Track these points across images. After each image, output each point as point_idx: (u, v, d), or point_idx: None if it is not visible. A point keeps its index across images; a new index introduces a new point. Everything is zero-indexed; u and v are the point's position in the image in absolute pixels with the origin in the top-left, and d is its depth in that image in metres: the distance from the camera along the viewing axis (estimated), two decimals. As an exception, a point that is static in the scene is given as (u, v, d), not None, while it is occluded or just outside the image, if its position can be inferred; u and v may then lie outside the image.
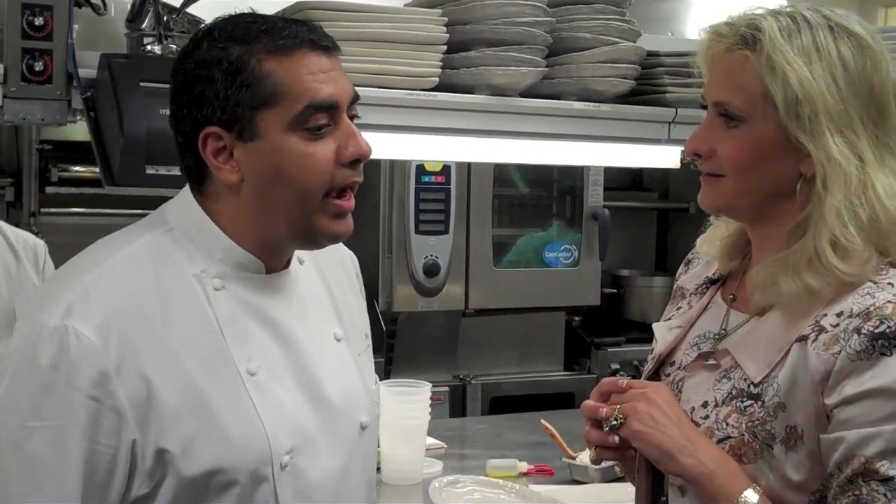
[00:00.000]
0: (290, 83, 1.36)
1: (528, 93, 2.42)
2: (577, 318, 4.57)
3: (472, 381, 4.16)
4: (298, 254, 1.54)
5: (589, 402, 1.44)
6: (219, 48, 1.37)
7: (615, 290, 4.80)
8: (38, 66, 1.94)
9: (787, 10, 1.41)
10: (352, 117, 1.43)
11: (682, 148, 2.86)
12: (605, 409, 1.40)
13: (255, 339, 1.43)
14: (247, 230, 1.43)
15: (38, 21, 1.94)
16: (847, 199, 1.35)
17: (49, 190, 3.88)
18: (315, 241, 1.46)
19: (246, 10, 1.46)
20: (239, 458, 1.38)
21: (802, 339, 1.36)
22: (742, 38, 1.40)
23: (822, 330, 1.35)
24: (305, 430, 1.45)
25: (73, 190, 3.90)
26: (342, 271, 1.67)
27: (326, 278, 1.60)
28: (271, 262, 1.47)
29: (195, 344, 1.39)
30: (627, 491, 2.12)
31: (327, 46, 1.40)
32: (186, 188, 1.48)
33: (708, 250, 1.59)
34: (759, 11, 1.43)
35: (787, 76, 1.36)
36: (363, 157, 1.40)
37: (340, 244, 1.63)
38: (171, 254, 1.42)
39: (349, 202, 1.42)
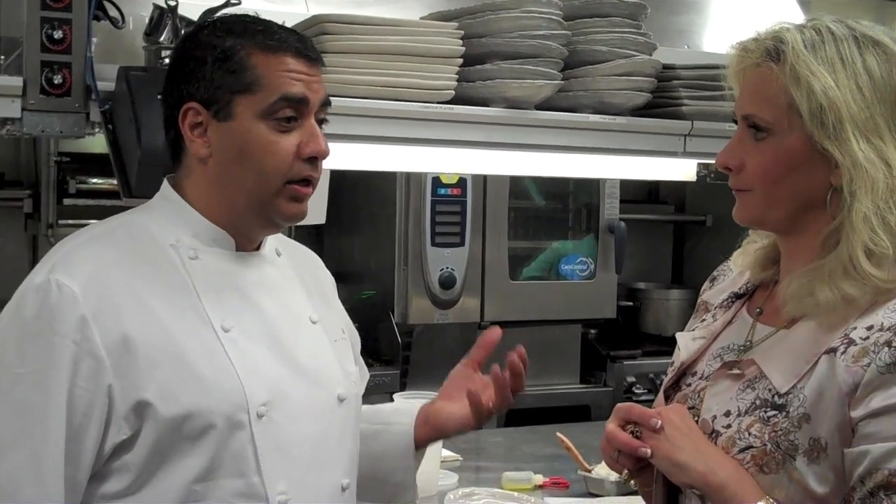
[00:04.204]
0: (269, 77, 1.50)
1: (543, 105, 2.42)
2: (592, 331, 4.54)
3: (488, 394, 4.14)
4: (276, 247, 1.64)
5: (622, 436, 1.44)
6: (216, 36, 1.53)
7: (631, 303, 4.78)
8: (57, 80, 1.95)
9: (812, 23, 1.42)
10: (320, 121, 1.57)
11: (699, 161, 2.87)
12: (647, 450, 1.41)
13: (229, 304, 1.54)
14: (213, 206, 1.55)
15: (58, 34, 1.95)
16: (874, 204, 1.35)
17: (67, 202, 3.89)
18: (271, 220, 1.57)
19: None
20: (214, 402, 1.46)
21: (831, 350, 1.36)
22: (767, 51, 1.41)
23: (851, 342, 1.35)
24: (280, 388, 1.53)
25: (91, 202, 3.91)
26: (323, 276, 1.78)
27: (302, 276, 1.69)
28: (241, 240, 1.58)
29: (171, 302, 1.49)
30: (643, 504, 2.10)
31: (310, 56, 1.55)
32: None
33: (743, 261, 1.60)
34: (786, 25, 1.44)
35: (811, 85, 1.37)
36: (321, 155, 1.54)
37: (319, 261, 1.79)
38: (146, 227, 1.56)
39: (307, 189, 1.55)
